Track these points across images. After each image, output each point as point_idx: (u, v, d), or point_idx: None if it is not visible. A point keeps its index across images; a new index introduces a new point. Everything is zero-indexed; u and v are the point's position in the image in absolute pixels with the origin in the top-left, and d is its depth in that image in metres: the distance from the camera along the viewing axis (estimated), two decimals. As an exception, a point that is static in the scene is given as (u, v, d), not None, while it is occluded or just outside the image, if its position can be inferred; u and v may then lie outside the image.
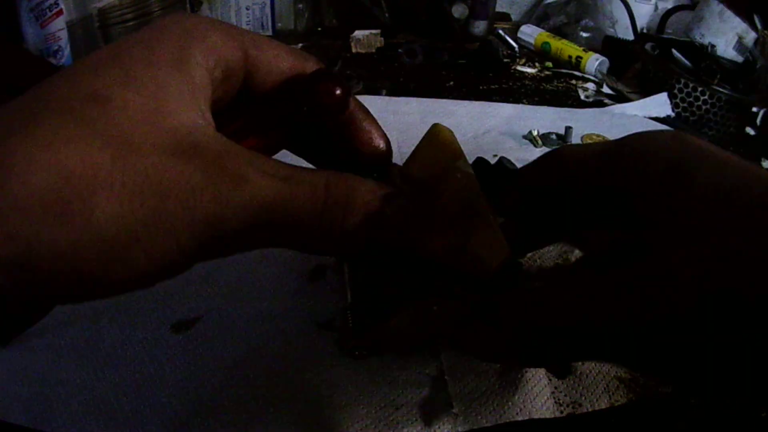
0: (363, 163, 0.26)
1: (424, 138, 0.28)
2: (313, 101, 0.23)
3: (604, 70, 0.83)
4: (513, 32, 0.95)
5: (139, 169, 0.18)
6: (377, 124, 0.27)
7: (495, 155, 0.52)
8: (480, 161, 0.30)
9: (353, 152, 0.26)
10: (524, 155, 0.59)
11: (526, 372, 0.33)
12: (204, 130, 0.21)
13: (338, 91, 0.23)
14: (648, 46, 0.79)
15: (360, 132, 0.26)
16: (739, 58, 0.80)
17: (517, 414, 0.32)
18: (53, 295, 0.19)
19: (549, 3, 1.03)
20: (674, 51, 0.78)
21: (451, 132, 0.28)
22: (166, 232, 0.19)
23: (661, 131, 0.26)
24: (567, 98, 0.76)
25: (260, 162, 0.21)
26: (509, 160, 0.30)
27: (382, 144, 0.27)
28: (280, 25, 0.90)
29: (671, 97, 0.72)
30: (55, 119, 0.18)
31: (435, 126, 0.28)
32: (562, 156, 0.28)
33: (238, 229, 0.20)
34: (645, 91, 0.75)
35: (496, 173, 0.29)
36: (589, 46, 0.87)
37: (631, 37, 0.87)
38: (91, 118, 0.18)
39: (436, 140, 0.27)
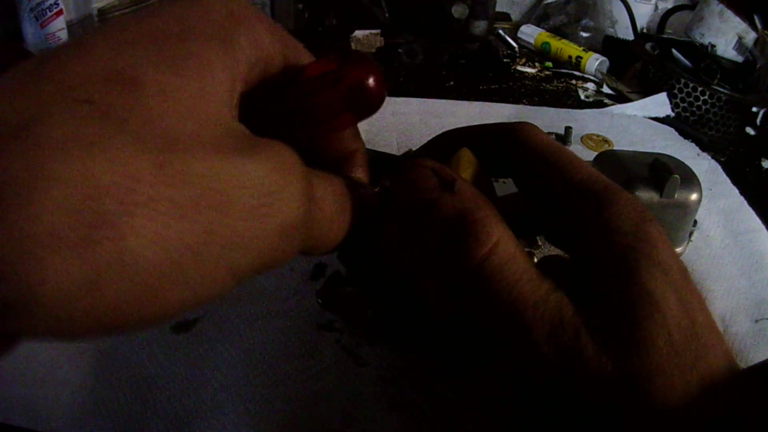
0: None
1: (451, 161, 0.27)
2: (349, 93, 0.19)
3: (604, 70, 0.83)
4: (513, 32, 0.95)
5: (191, 177, 0.13)
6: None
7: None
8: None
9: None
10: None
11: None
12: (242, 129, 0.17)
13: (371, 81, 0.19)
14: (648, 46, 0.79)
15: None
16: (739, 58, 0.79)
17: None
18: (55, 338, 0.14)
19: (549, 3, 1.03)
20: (674, 51, 0.78)
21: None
22: (219, 258, 0.14)
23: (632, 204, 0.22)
24: (567, 98, 0.76)
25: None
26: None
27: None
28: (280, 25, 0.90)
29: (671, 97, 0.72)
30: (68, 113, 0.13)
31: (463, 150, 0.26)
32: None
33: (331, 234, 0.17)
34: (645, 91, 0.75)
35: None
36: (589, 46, 0.87)
37: (631, 37, 0.87)
38: (118, 110, 0.13)
39: (464, 164, 0.26)
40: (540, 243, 0.44)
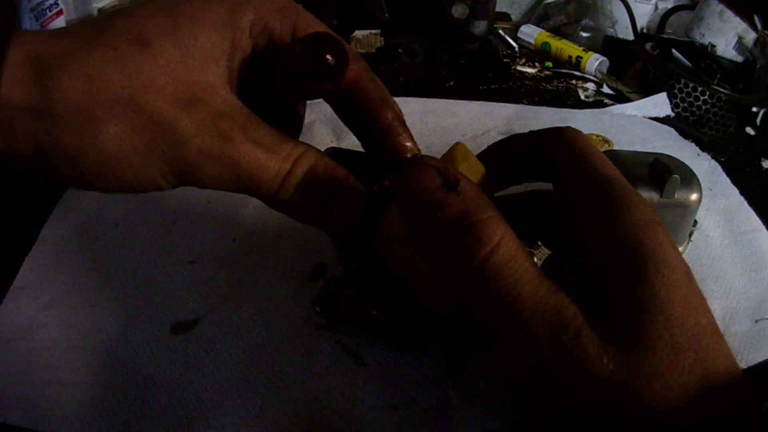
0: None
1: (445, 156, 0.26)
2: (308, 64, 0.25)
3: (604, 70, 0.83)
4: (513, 32, 0.95)
5: (146, 108, 0.23)
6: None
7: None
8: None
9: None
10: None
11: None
12: (218, 90, 0.24)
13: (329, 58, 0.24)
14: (648, 46, 0.79)
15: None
16: (739, 58, 0.79)
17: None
18: (64, 183, 0.24)
19: (549, 3, 1.03)
20: (674, 51, 0.78)
21: (472, 153, 0.26)
22: (151, 162, 0.23)
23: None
24: (567, 98, 0.76)
25: (254, 128, 0.24)
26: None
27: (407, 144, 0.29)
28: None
29: (671, 97, 0.72)
30: (101, 52, 0.23)
31: (457, 144, 0.26)
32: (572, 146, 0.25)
33: (212, 175, 0.24)
34: (645, 91, 0.75)
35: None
36: (589, 46, 0.87)
37: (631, 37, 0.87)
38: (128, 59, 0.23)
39: (459, 159, 0.26)
40: (540, 243, 0.44)
